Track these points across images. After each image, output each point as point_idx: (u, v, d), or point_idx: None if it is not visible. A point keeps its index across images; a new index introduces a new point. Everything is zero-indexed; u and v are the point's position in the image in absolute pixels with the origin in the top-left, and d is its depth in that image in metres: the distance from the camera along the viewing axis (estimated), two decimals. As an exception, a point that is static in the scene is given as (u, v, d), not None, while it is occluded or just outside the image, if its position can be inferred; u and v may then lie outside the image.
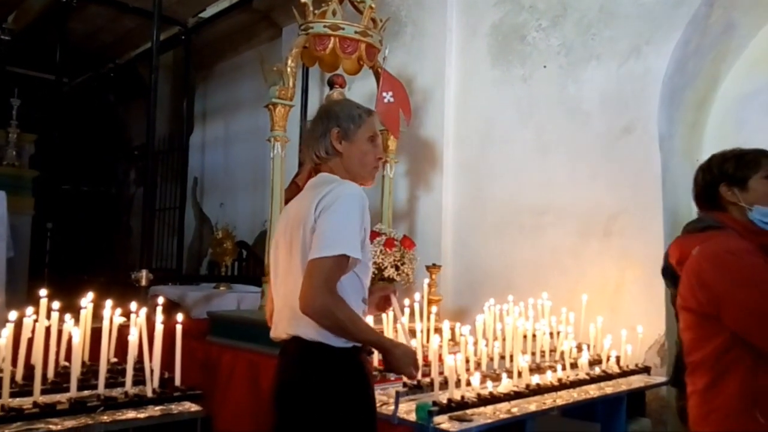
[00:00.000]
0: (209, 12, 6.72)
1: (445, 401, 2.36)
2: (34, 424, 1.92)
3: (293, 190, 4.23)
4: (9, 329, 2.04)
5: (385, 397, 2.49)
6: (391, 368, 2.06)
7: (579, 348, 3.17)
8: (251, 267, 6.18)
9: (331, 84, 4.34)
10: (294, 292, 1.99)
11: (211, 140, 7.52)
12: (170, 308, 5.35)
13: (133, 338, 2.26)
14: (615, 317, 3.51)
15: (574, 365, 3.02)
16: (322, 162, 2.18)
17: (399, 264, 3.83)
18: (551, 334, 3.21)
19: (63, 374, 2.32)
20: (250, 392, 3.60)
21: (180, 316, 2.44)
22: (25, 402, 1.97)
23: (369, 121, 2.22)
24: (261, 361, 3.64)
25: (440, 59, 4.68)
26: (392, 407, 2.35)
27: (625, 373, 3.15)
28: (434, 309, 3.07)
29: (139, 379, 2.33)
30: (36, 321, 2.28)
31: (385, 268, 3.75)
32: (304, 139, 2.21)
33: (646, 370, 3.28)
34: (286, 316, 2.07)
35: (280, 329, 2.12)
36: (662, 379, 3.25)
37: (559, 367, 2.87)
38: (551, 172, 4.06)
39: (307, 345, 2.00)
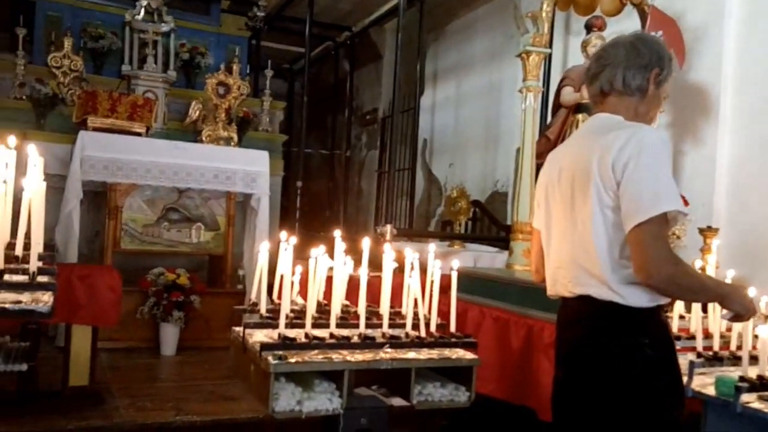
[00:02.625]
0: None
1: (755, 377, 2.05)
2: (329, 353, 1.98)
3: (544, 143, 4.03)
4: (310, 266, 2.13)
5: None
6: (736, 312, 1.85)
7: None
8: (485, 227, 6.09)
9: (589, 27, 4.03)
10: (581, 248, 1.84)
11: (441, 101, 7.52)
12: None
13: (413, 285, 2.26)
14: None
15: None
16: (616, 95, 1.94)
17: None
18: None
19: (344, 311, 2.38)
20: (497, 349, 3.53)
21: (456, 263, 2.39)
22: (323, 333, 2.04)
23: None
24: (510, 319, 3.55)
25: (719, -9, 4.11)
26: (684, 378, 2.12)
27: None
28: (731, 273, 2.69)
29: (415, 323, 2.33)
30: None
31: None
32: (602, 59, 1.97)
33: None
34: (571, 273, 1.90)
35: (560, 287, 1.97)
36: None
37: None
38: None
39: (600, 305, 1.82)
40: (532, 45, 3.75)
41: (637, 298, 1.79)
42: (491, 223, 5.88)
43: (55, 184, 6.31)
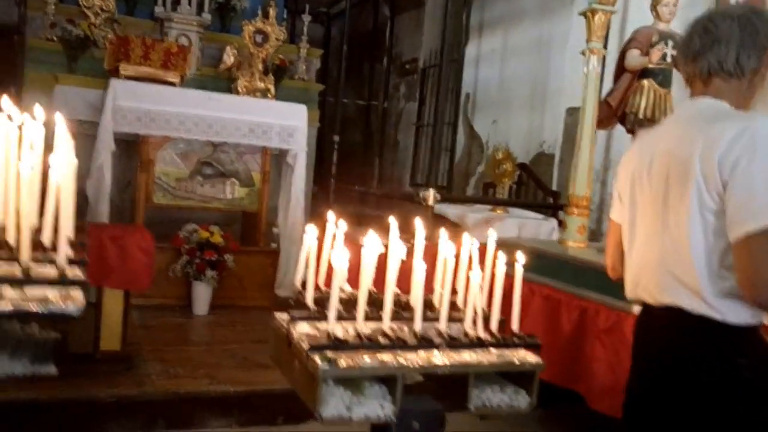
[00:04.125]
0: None
1: None
2: (381, 354, 1.79)
3: (605, 110, 3.74)
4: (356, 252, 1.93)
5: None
6: None
7: None
8: (531, 191, 5.82)
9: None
10: (673, 253, 1.62)
11: (486, 54, 7.14)
12: (452, 227, 5.29)
13: (475, 280, 2.03)
14: None
15: None
16: (724, 77, 1.67)
17: None
18: None
19: (396, 303, 2.18)
20: (546, 329, 3.37)
21: (521, 257, 2.16)
22: (374, 326, 1.86)
23: None
24: (562, 299, 3.37)
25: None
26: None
27: None
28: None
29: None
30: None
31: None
32: (710, 34, 1.69)
33: None
34: (659, 279, 1.67)
35: (643, 292, 1.75)
36: None
37: None
38: None
39: (692, 320, 1.60)
40: (598, 2, 3.44)
41: (737, 315, 1.58)
42: (537, 187, 5.62)
43: (86, 131, 6.16)
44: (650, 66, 3.58)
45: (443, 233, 2.22)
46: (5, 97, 1.58)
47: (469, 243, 2.25)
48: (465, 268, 2.22)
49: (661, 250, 1.69)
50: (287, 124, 5.12)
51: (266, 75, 5.59)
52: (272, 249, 5.24)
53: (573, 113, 5.60)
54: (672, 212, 1.65)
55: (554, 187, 5.64)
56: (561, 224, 4.99)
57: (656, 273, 1.70)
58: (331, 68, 9.22)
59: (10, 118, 1.56)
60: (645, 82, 3.60)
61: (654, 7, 3.62)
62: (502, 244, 4.00)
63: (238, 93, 5.57)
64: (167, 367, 3.55)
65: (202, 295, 4.70)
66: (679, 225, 1.62)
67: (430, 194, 4.39)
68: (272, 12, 6.64)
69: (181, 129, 4.74)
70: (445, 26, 4.53)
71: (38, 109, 1.66)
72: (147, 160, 4.82)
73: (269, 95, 5.44)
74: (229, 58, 6.48)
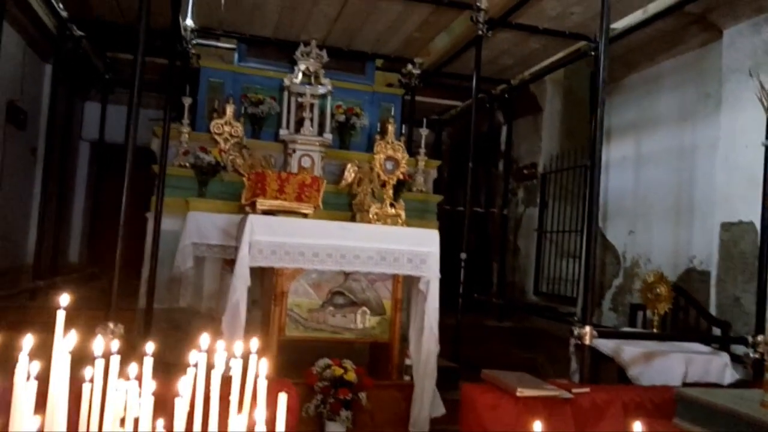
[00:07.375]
0: (624, 23, 5.96)
1: None
2: None
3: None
4: None
5: None
6: None
7: None
8: (690, 317, 5.26)
9: None
10: None
11: (616, 160, 6.78)
12: (600, 361, 4.80)
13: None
14: None
15: None
16: None
17: None
18: None
19: None
20: None
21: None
22: None
23: None
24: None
25: None
26: None
27: None
28: None
29: None
30: None
31: None
32: None
33: None
34: None
35: None
36: None
37: None
38: None
39: None
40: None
41: None
42: (699, 315, 5.06)
43: (216, 254, 6.24)
44: None
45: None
46: (206, 336, 1.41)
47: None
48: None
49: None
50: (419, 250, 4.89)
51: (397, 201, 5.46)
52: (405, 382, 4.92)
53: (730, 228, 5.10)
54: None
55: (713, 309, 5.07)
56: (736, 360, 4.43)
57: None
58: (442, 170, 9.11)
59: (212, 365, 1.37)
60: None
61: None
62: (685, 404, 3.50)
63: (366, 214, 5.46)
64: None
65: (336, 437, 4.41)
66: None
67: (587, 332, 3.95)
68: (390, 128, 6.63)
69: (315, 260, 4.60)
70: (595, 131, 4.16)
71: (204, 337, 1.51)
72: (281, 292, 4.69)
73: (400, 221, 5.28)
74: (350, 174, 6.48)
